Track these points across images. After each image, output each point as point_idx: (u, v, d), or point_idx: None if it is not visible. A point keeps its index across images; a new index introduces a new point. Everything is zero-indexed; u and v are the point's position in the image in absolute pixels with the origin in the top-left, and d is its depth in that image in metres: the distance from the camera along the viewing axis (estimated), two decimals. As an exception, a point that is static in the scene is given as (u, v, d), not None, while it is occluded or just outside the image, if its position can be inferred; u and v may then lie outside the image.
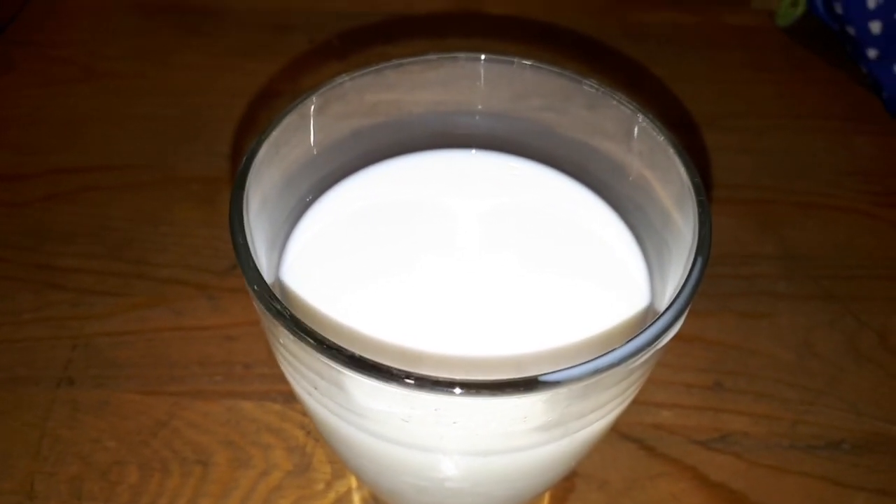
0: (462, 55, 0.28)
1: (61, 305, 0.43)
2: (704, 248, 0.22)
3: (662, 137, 0.25)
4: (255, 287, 0.21)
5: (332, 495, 0.36)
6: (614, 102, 0.27)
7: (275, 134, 0.25)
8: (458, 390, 0.19)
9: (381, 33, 0.60)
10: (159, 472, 0.36)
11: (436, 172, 0.31)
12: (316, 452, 0.37)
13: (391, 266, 0.27)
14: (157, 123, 0.54)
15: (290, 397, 0.39)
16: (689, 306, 0.21)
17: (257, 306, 0.21)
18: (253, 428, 0.38)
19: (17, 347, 0.41)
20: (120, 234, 0.47)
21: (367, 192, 0.30)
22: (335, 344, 0.19)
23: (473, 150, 0.31)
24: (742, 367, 0.41)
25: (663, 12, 0.64)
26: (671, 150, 0.25)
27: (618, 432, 0.38)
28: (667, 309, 0.21)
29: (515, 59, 0.28)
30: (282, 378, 0.39)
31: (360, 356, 0.19)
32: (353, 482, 0.36)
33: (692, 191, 0.24)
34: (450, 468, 0.24)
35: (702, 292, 0.22)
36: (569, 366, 0.19)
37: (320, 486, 0.36)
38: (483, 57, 0.28)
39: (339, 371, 0.20)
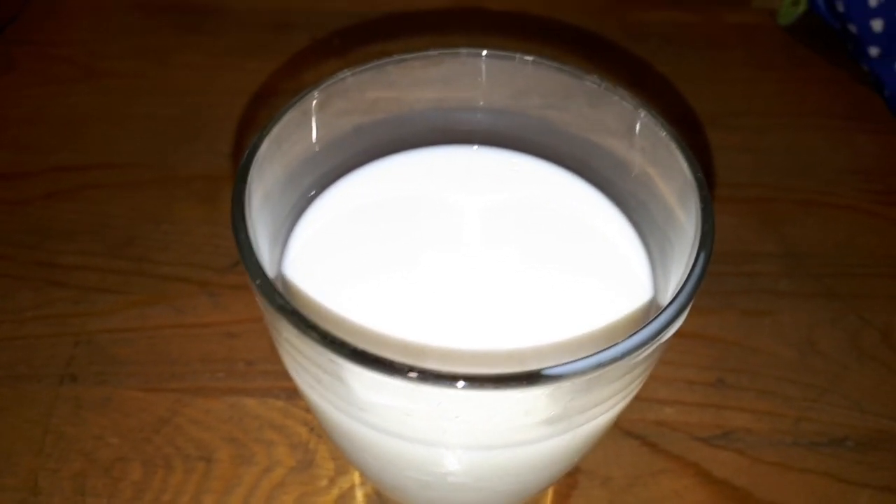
0: (464, 51, 0.28)
1: (63, 303, 0.43)
2: (708, 242, 0.22)
3: (665, 133, 0.25)
4: (258, 282, 0.21)
5: (335, 491, 0.36)
6: (616, 98, 0.27)
7: (276, 129, 0.25)
8: (460, 384, 0.19)
9: (381, 32, 0.60)
10: (162, 469, 0.36)
11: (438, 168, 0.31)
12: (319, 449, 0.37)
13: (393, 261, 0.27)
14: (158, 122, 0.54)
15: (292, 394, 0.39)
16: (693, 301, 0.21)
17: (260, 301, 0.21)
18: (255, 424, 0.38)
19: (20, 345, 0.41)
20: (121, 232, 0.47)
21: (369, 189, 0.30)
22: (338, 338, 0.19)
23: (475, 147, 0.31)
24: (744, 364, 0.41)
25: (664, 11, 0.64)
26: (674, 146, 0.25)
27: (620, 429, 0.38)
28: (670, 303, 0.21)
29: (517, 55, 0.28)
30: (284, 375, 0.39)
31: (363, 350, 0.19)
32: (357, 478, 0.36)
33: (695, 186, 0.24)
34: (453, 462, 0.24)
35: (704, 290, 0.22)
36: (572, 360, 0.19)
37: (323, 483, 0.36)
38: (485, 53, 0.28)
39: (342, 365, 0.20)
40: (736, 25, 0.63)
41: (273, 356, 0.40)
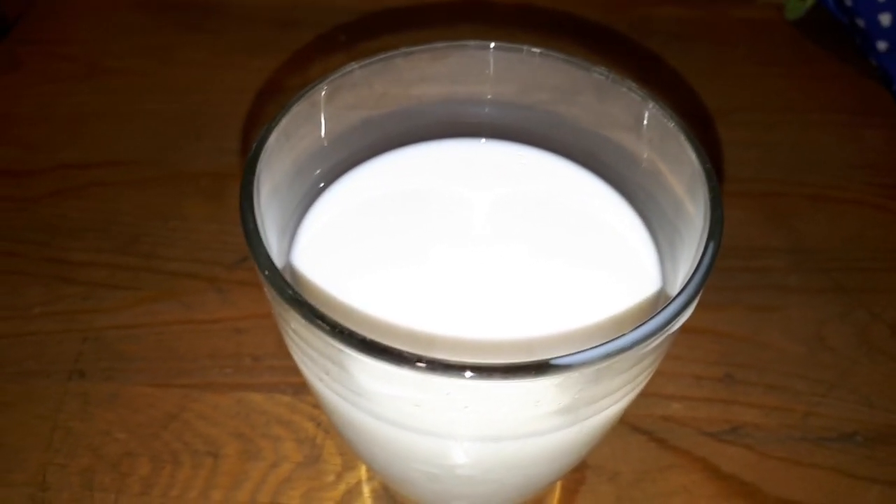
0: (471, 43, 0.28)
1: (72, 299, 0.43)
2: (717, 231, 0.22)
3: (673, 124, 0.25)
4: (267, 272, 0.21)
5: (342, 487, 0.36)
6: (624, 90, 0.27)
7: (285, 121, 0.25)
8: (469, 373, 0.19)
9: (386, 27, 0.60)
10: (170, 464, 0.36)
11: (446, 162, 0.30)
12: (326, 444, 0.37)
13: (402, 253, 0.27)
14: (163, 120, 0.54)
15: (299, 389, 0.39)
16: (702, 291, 0.21)
17: (268, 292, 0.21)
18: (263, 420, 0.38)
19: (29, 341, 0.41)
20: (129, 229, 0.47)
21: (377, 181, 0.30)
22: (347, 328, 0.19)
23: (483, 140, 0.31)
24: (753, 359, 0.41)
25: (670, 7, 0.64)
26: (682, 137, 0.25)
27: (628, 424, 0.38)
28: (680, 292, 0.21)
29: (525, 48, 0.28)
30: (291, 370, 0.39)
31: (372, 340, 0.19)
32: (364, 473, 0.36)
33: (704, 176, 0.24)
34: (461, 454, 0.24)
35: (711, 285, 0.21)
36: (581, 349, 0.19)
37: (330, 478, 0.36)
38: (493, 45, 0.28)
39: (350, 355, 0.20)
40: (743, 20, 0.63)
41: (280, 352, 0.40)
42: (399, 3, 0.61)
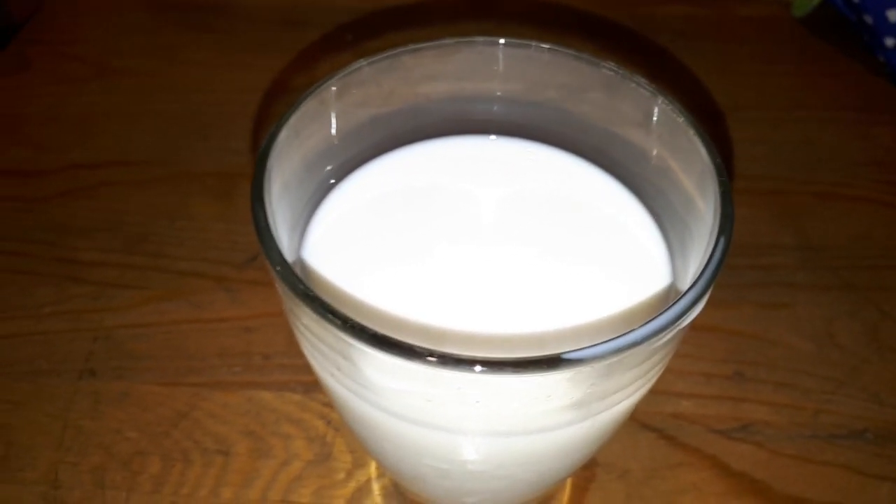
0: (480, 39, 0.28)
1: (81, 299, 0.43)
2: (727, 226, 0.22)
3: (683, 119, 0.25)
4: (279, 268, 0.21)
5: (352, 484, 0.36)
6: (633, 85, 0.27)
7: (295, 118, 0.25)
8: (479, 368, 0.19)
9: (393, 26, 0.60)
10: (181, 462, 0.36)
11: (455, 158, 0.30)
12: (336, 442, 0.37)
13: (412, 249, 0.27)
14: (170, 120, 0.54)
15: (309, 387, 0.39)
16: (712, 286, 0.21)
17: (280, 288, 0.21)
18: (273, 418, 0.38)
19: (39, 340, 0.41)
20: (137, 229, 0.47)
21: (386, 178, 0.30)
22: (358, 323, 0.19)
23: (492, 136, 0.31)
24: (762, 357, 0.41)
25: (676, 5, 0.64)
26: (692, 132, 0.25)
27: (638, 422, 0.38)
28: (690, 287, 0.21)
29: (533, 44, 0.28)
30: (301, 368, 0.40)
31: (383, 334, 0.19)
32: (374, 471, 0.36)
33: (714, 171, 0.24)
34: (472, 449, 0.24)
35: (720, 283, 0.21)
36: (592, 344, 0.19)
37: (341, 476, 0.36)
38: (502, 41, 0.28)
39: (361, 350, 0.20)
40: (749, 18, 0.63)
41: (290, 350, 0.41)
42: (403, 1, 0.61)
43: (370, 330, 0.19)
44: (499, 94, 0.30)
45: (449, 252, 0.27)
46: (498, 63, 0.29)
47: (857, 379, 0.40)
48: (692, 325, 0.22)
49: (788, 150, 0.52)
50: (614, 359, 0.20)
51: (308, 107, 0.25)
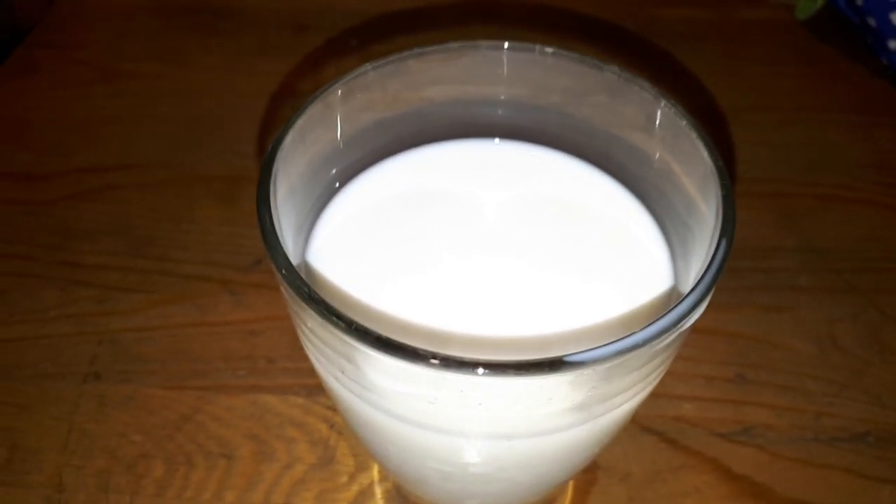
0: (484, 43, 0.28)
1: (86, 302, 0.43)
2: (729, 228, 0.22)
3: (685, 122, 0.25)
4: (284, 271, 0.21)
5: (355, 488, 0.36)
6: (636, 88, 0.27)
7: (300, 122, 0.25)
8: (482, 370, 0.19)
9: (398, 31, 0.60)
10: (184, 466, 0.37)
11: (459, 162, 0.31)
12: (339, 446, 0.37)
13: (416, 253, 0.28)
14: (176, 123, 0.54)
15: (313, 391, 0.39)
16: (714, 288, 0.21)
17: (285, 290, 0.21)
18: (276, 422, 0.38)
19: (44, 343, 0.41)
20: (143, 232, 0.47)
21: (392, 181, 0.30)
22: (363, 326, 0.20)
23: (496, 140, 0.31)
24: (764, 360, 0.41)
25: (679, 8, 0.64)
26: (694, 135, 0.25)
27: (639, 425, 0.38)
28: (692, 290, 0.21)
29: (537, 47, 0.28)
30: (305, 372, 0.40)
31: (387, 337, 0.19)
32: (376, 475, 0.37)
33: (716, 174, 0.24)
34: (475, 452, 0.24)
35: (722, 286, 0.22)
36: (594, 346, 0.20)
37: (343, 479, 0.36)
38: (506, 45, 0.28)
39: (365, 353, 0.20)
40: (752, 21, 0.63)
41: (294, 354, 0.41)
42: (408, 5, 0.62)
43: (374, 333, 0.19)
44: (503, 97, 0.30)
45: (452, 255, 0.28)
46: (502, 67, 0.29)
47: (859, 382, 0.40)
48: (694, 327, 0.22)
49: (791, 153, 0.52)
50: (616, 361, 0.20)
51: (314, 111, 0.26)
